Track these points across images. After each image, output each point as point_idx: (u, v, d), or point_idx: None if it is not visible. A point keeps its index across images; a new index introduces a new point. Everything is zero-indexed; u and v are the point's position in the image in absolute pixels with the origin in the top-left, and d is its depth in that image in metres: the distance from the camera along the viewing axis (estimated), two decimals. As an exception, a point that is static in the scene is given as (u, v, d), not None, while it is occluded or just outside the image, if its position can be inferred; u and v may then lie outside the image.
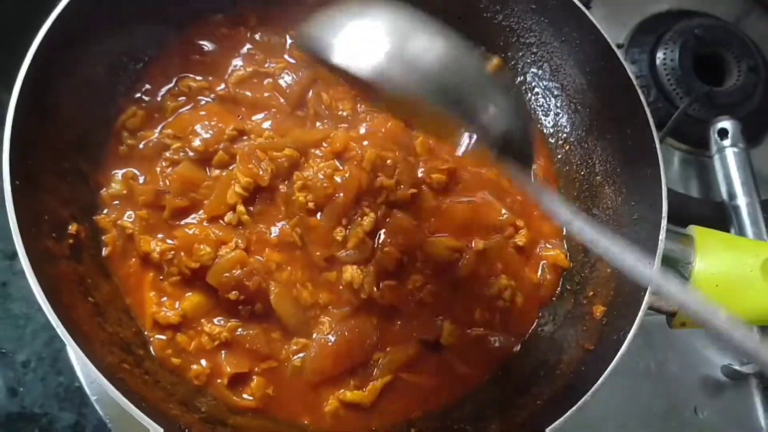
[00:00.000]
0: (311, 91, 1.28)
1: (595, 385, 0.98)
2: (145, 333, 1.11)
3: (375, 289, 1.14)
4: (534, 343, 1.21)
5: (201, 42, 1.30)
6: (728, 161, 1.55)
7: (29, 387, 1.29)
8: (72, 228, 1.09)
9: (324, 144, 1.21)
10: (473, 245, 1.21)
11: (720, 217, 1.54)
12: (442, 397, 1.16)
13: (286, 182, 1.18)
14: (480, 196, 1.27)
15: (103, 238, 1.14)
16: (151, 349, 1.10)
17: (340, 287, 1.16)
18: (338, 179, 1.17)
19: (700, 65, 1.71)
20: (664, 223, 1.09)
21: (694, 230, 1.17)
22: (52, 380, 1.30)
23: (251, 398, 1.10)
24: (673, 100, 1.67)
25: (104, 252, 1.14)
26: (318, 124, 1.27)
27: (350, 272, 1.15)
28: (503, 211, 1.26)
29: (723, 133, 1.57)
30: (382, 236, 1.17)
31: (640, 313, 1.03)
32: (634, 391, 1.43)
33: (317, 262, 1.16)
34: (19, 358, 1.30)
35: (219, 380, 1.10)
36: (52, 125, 1.10)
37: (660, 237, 1.08)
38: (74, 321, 0.95)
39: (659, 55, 1.71)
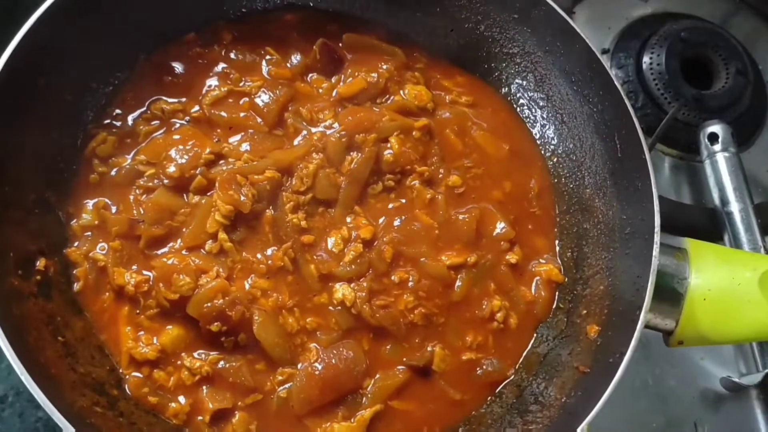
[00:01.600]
0: (290, 108, 1.25)
1: (591, 414, 0.94)
2: (120, 371, 1.07)
3: (367, 306, 1.11)
4: (528, 366, 1.17)
5: (173, 62, 1.26)
6: (719, 166, 1.52)
7: (7, 423, 1.24)
8: (40, 263, 1.04)
9: (314, 155, 1.19)
10: (469, 260, 1.19)
11: (713, 223, 1.51)
12: (434, 426, 1.12)
13: (270, 206, 1.15)
14: (483, 205, 1.25)
15: (74, 272, 1.10)
16: (127, 387, 1.06)
17: (330, 309, 1.13)
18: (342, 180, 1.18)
19: (687, 68, 1.67)
20: (657, 238, 1.06)
21: (689, 243, 1.13)
22: (31, 415, 1.25)
23: (232, 435, 1.06)
24: (662, 105, 1.64)
25: (75, 287, 1.10)
26: (296, 140, 1.23)
27: (342, 290, 1.13)
28: (502, 225, 1.23)
29: (713, 137, 1.54)
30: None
31: (636, 334, 1.00)
32: (631, 406, 1.39)
33: (311, 283, 1.13)
34: (-7, 394, 1.25)
35: (200, 418, 1.06)
36: (17, 155, 1.05)
37: (654, 253, 1.05)
38: (41, 365, 0.91)
39: (645, 59, 1.68)
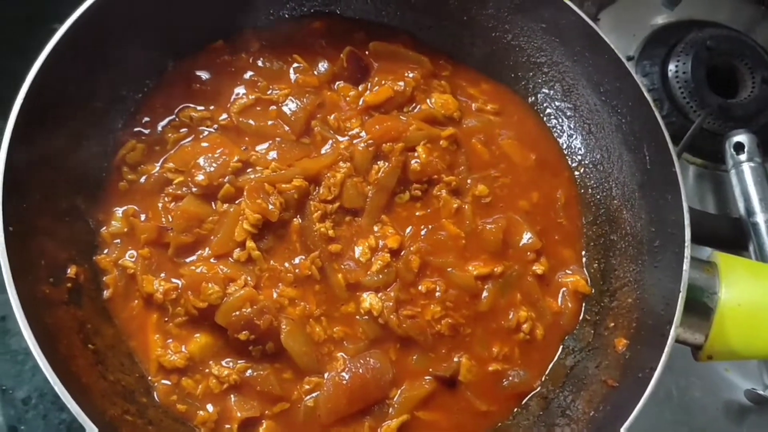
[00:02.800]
0: (317, 116, 1.25)
1: (621, 430, 0.94)
2: (149, 378, 1.07)
3: (394, 316, 1.11)
4: (554, 378, 1.17)
5: (201, 70, 1.27)
6: (745, 176, 1.50)
7: (31, 425, 1.24)
8: (71, 271, 1.05)
9: (341, 164, 1.19)
10: (496, 270, 1.18)
11: (738, 233, 1.49)
12: (460, 437, 1.12)
13: (298, 215, 1.15)
14: (510, 215, 1.24)
15: (103, 279, 1.11)
16: (155, 395, 1.06)
17: (357, 318, 1.13)
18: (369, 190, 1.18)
19: (713, 77, 1.66)
20: (687, 252, 1.05)
21: (718, 257, 1.12)
22: (54, 417, 1.25)
23: (260, 444, 1.06)
24: (687, 114, 1.62)
25: (105, 294, 1.10)
26: (323, 149, 1.23)
27: (369, 300, 1.13)
28: (529, 235, 1.22)
29: (739, 147, 1.52)
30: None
31: (667, 349, 0.99)
32: (655, 417, 1.38)
33: (338, 292, 1.13)
34: (19, 394, 1.26)
35: (227, 426, 1.06)
36: (49, 163, 1.06)
37: (684, 267, 1.04)
38: (73, 373, 0.91)
39: (671, 67, 1.66)
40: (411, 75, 1.30)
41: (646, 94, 1.15)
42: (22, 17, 1.46)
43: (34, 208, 1.01)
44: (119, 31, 1.14)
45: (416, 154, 1.21)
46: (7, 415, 1.25)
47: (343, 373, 1.09)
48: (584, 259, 1.26)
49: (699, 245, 1.18)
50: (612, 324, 1.16)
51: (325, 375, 1.09)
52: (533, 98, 1.36)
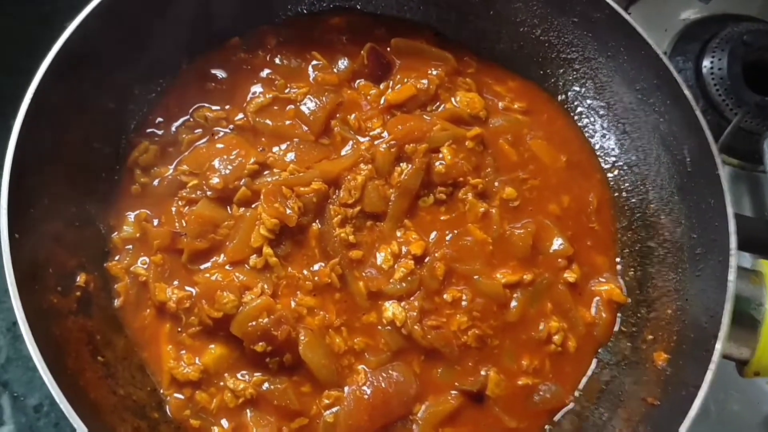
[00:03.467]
0: (337, 116, 1.21)
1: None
2: (162, 392, 1.04)
3: (418, 326, 1.07)
4: (588, 394, 1.11)
5: (216, 68, 1.23)
6: (784, 178, 1.44)
7: (43, 433, 1.21)
8: (80, 279, 1.02)
9: (362, 166, 1.15)
10: (525, 278, 1.14)
11: (777, 238, 1.43)
12: (488, 456, 1.07)
13: (317, 220, 1.11)
14: (539, 219, 1.19)
15: (115, 287, 1.07)
16: (168, 410, 1.02)
17: (379, 328, 1.09)
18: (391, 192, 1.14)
19: (749, 73, 1.59)
20: (733, 261, 0.99)
21: (765, 266, 1.06)
22: (66, 426, 1.23)
23: (276, 461, 1.02)
24: (723, 112, 1.56)
25: (116, 303, 1.07)
26: (343, 150, 1.18)
27: (392, 309, 1.08)
28: (560, 241, 1.17)
29: (777, 146, 1.46)
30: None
31: (713, 366, 0.93)
32: (691, 432, 1.32)
33: (360, 301, 1.09)
34: (30, 402, 1.25)
35: (243, 442, 1.02)
36: (58, 166, 1.02)
37: (730, 277, 0.97)
38: (81, 389, 0.88)
39: (705, 63, 1.59)
40: (435, 72, 1.26)
41: (685, 90, 1.09)
42: (35, 16, 1.43)
43: (42, 214, 0.97)
44: (131, 29, 1.11)
45: (441, 156, 1.17)
46: (19, 422, 1.23)
47: (365, 387, 1.05)
48: (619, 267, 1.20)
49: (741, 252, 1.12)
50: (650, 337, 1.10)
51: (346, 389, 1.05)
52: (563, 96, 1.30)
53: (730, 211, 1.01)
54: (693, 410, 0.90)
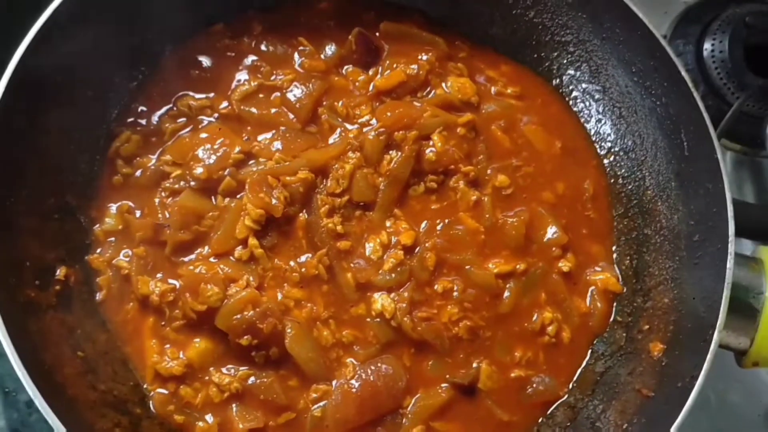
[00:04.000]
0: (324, 103, 1.18)
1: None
2: (145, 387, 1.02)
3: (408, 318, 1.05)
4: (583, 385, 1.09)
5: (200, 55, 1.20)
6: (786, 162, 1.41)
7: (34, 428, 1.21)
8: (60, 272, 1.00)
9: (351, 154, 1.12)
10: (518, 268, 1.11)
11: (778, 224, 1.40)
12: (480, 449, 1.05)
13: (304, 210, 1.09)
14: (533, 207, 1.17)
15: (96, 281, 1.05)
16: (151, 405, 1.01)
17: (368, 321, 1.07)
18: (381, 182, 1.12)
19: (752, 56, 1.55)
20: (731, 248, 0.97)
21: (764, 253, 1.03)
22: (58, 421, 1.21)
23: (262, 457, 1.01)
24: (724, 96, 1.52)
25: (98, 297, 1.05)
26: (331, 139, 1.16)
27: (381, 301, 1.07)
28: (554, 229, 1.15)
29: (781, 131, 1.42)
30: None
31: (710, 356, 0.91)
32: (690, 424, 1.28)
33: (348, 293, 1.07)
34: (22, 397, 1.22)
35: (229, 438, 1.00)
36: (35, 157, 1.00)
37: (728, 264, 0.95)
38: (59, 385, 0.86)
39: (707, 46, 1.56)
40: (425, 57, 1.23)
41: (683, 72, 1.06)
42: (3, 2, 1.40)
43: (19, 206, 0.96)
44: (110, 13, 1.07)
45: (431, 143, 1.14)
46: (10, 418, 1.22)
47: (353, 381, 1.03)
48: (615, 255, 1.18)
49: (738, 238, 1.09)
50: (646, 326, 1.08)
51: (334, 382, 1.04)
52: (558, 80, 1.27)
53: (728, 196, 0.99)
54: (689, 402, 0.88)
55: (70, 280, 1.01)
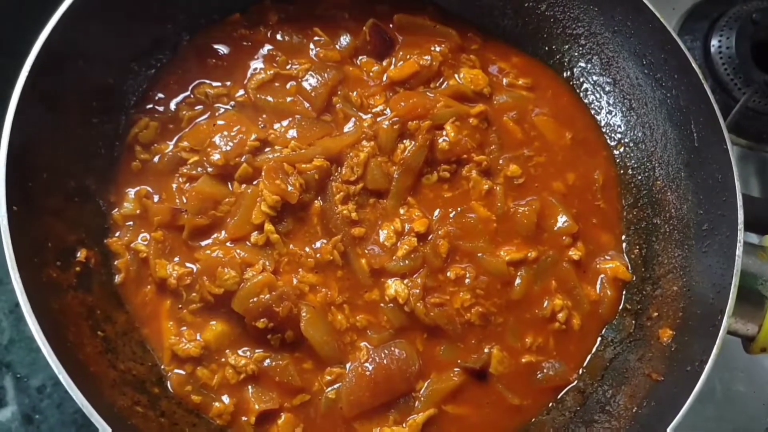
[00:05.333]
0: (339, 92, 1.19)
1: (669, 427, 0.87)
2: (162, 367, 1.03)
3: (421, 303, 1.06)
4: (592, 371, 1.10)
5: (217, 44, 1.21)
6: (792, 157, 1.42)
7: (46, 414, 1.23)
8: (80, 254, 1.01)
9: (365, 142, 1.13)
10: (529, 256, 1.13)
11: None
12: (491, 433, 1.06)
13: (319, 197, 1.10)
14: (544, 197, 1.18)
15: (115, 263, 1.06)
16: (169, 385, 1.02)
17: (382, 306, 1.08)
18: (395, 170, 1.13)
19: (758, 52, 1.56)
20: (740, 236, 0.98)
21: (773, 241, 1.04)
22: (69, 406, 1.23)
23: (277, 439, 1.02)
24: (731, 91, 1.53)
25: (117, 279, 1.06)
26: (346, 127, 1.17)
27: (395, 287, 1.07)
28: (564, 218, 1.16)
29: (787, 126, 1.44)
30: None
31: (719, 341, 0.92)
32: (696, 412, 1.29)
33: (362, 278, 1.08)
34: (33, 383, 1.24)
35: (244, 419, 1.02)
36: (56, 141, 1.01)
37: (737, 252, 0.96)
38: (81, 362, 0.87)
39: (714, 42, 1.57)
40: (438, 49, 1.24)
41: (693, 64, 1.07)
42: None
43: (41, 188, 0.97)
44: (129, 3, 1.08)
45: (444, 133, 1.15)
46: (22, 403, 1.23)
47: (367, 364, 1.05)
48: (624, 245, 1.19)
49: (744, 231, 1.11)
50: (655, 314, 1.09)
51: (348, 365, 1.05)
52: (569, 73, 1.28)
53: (738, 186, 1.01)
54: (698, 384, 0.89)
55: (90, 262, 1.02)
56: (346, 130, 1.17)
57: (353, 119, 1.17)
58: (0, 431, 1.20)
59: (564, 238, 1.16)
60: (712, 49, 1.57)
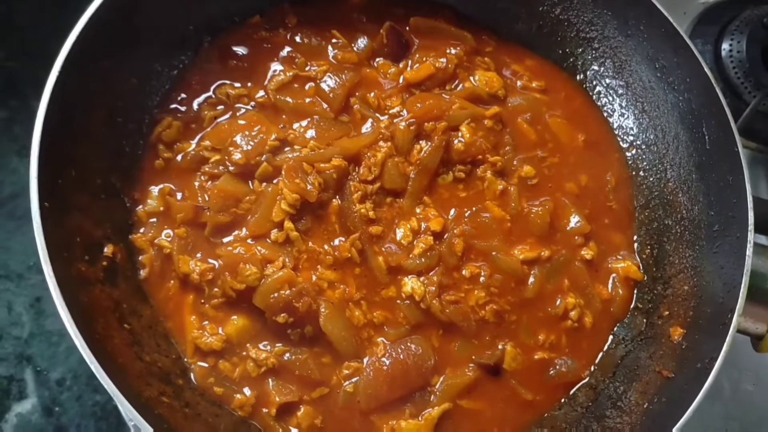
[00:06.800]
0: (356, 93, 1.21)
1: (680, 423, 0.89)
2: (186, 360, 1.05)
3: (436, 301, 1.08)
4: (604, 368, 1.12)
5: (238, 46, 1.23)
6: (802, 160, 1.43)
7: (65, 406, 1.25)
8: (107, 249, 1.03)
9: (382, 143, 1.15)
10: (543, 255, 1.15)
11: (795, 221, 1.42)
12: (504, 427, 1.09)
13: (337, 196, 1.12)
14: (557, 197, 1.20)
15: (140, 258, 1.09)
16: (192, 377, 1.04)
17: (398, 302, 1.10)
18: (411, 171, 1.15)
19: (769, 57, 1.58)
20: (750, 236, 1.00)
21: (782, 243, 1.06)
22: (89, 398, 1.26)
23: (297, 430, 1.04)
24: (741, 95, 1.55)
25: (141, 274, 1.08)
26: (363, 128, 1.19)
27: (411, 284, 1.09)
28: (577, 218, 1.18)
29: (796, 130, 1.45)
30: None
31: (729, 339, 0.94)
32: (704, 411, 1.30)
33: (379, 276, 1.10)
34: (53, 376, 1.26)
35: (265, 410, 1.04)
36: (84, 140, 1.04)
37: (747, 252, 0.98)
38: (109, 353, 0.89)
39: (724, 46, 1.59)
40: (453, 51, 1.26)
41: (705, 68, 1.09)
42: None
43: (69, 185, 0.99)
44: (153, 5, 1.11)
45: (459, 134, 1.18)
46: (42, 396, 1.25)
47: (384, 359, 1.07)
48: (636, 245, 1.21)
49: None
50: (666, 312, 1.11)
51: (365, 360, 1.07)
52: (582, 75, 1.30)
53: (748, 188, 1.02)
54: (709, 381, 0.91)
55: (116, 257, 1.04)
56: (363, 130, 1.19)
57: (370, 120, 1.19)
58: (21, 423, 1.22)
59: (576, 237, 1.18)
60: (723, 53, 1.59)
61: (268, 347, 1.06)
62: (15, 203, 1.34)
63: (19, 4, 1.44)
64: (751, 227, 0.99)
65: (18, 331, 1.28)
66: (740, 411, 1.35)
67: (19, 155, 1.38)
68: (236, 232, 1.10)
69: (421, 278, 1.10)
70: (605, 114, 1.29)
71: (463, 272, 1.12)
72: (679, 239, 1.14)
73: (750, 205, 1.01)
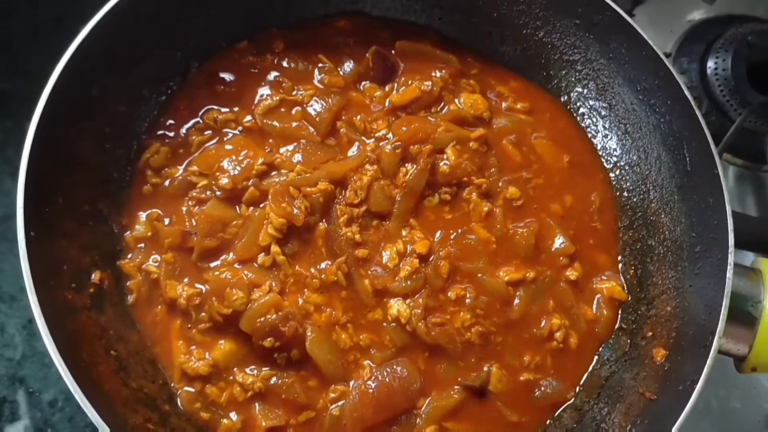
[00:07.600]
0: (343, 117, 1.22)
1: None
2: (172, 385, 1.06)
3: (422, 323, 1.09)
4: (589, 389, 1.13)
5: (225, 71, 1.25)
6: (788, 177, 1.44)
7: (57, 427, 1.25)
8: (95, 276, 1.04)
9: (368, 166, 1.16)
10: (528, 276, 1.15)
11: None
12: (490, 449, 1.08)
13: (323, 219, 1.13)
14: (542, 218, 1.21)
15: (127, 284, 1.10)
16: (179, 402, 1.05)
17: (384, 325, 1.10)
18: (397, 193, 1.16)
19: (754, 74, 1.59)
20: (731, 258, 1.00)
21: (763, 264, 1.07)
22: (81, 420, 1.26)
23: (283, 454, 1.04)
24: (727, 112, 1.56)
25: (129, 300, 1.09)
26: (350, 152, 1.20)
27: (397, 307, 1.10)
28: (562, 239, 1.19)
29: (782, 147, 1.46)
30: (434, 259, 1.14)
31: (710, 361, 0.95)
32: (693, 429, 1.32)
33: (365, 299, 1.11)
34: (46, 397, 1.27)
35: (252, 435, 1.04)
36: (72, 167, 1.05)
37: (728, 274, 0.99)
38: (95, 381, 0.90)
39: (710, 64, 1.60)
40: (438, 74, 1.27)
41: (686, 91, 1.10)
42: (48, 18, 1.46)
43: (57, 212, 1.00)
44: (141, 32, 1.12)
45: (445, 156, 1.18)
46: (34, 417, 1.25)
47: (370, 382, 1.07)
48: (620, 265, 1.22)
49: (739, 249, 1.13)
50: (650, 333, 1.11)
51: (351, 383, 1.07)
52: (566, 97, 1.31)
53: (728, 209, 1.03)
54: (690, 403, 0.92)
55: (103, 284, 1.05)
56: (349, 154, 1.19)
57: (357, 143, 1.20)
58: (13, 445, 1.22)
59: (561, 258, 1.18)
60: (709, 71, 1.60)
61: (255, 371, 1.06)
62: (7, 225, 1.35)
63: (15, 26, 1.46)
64: (731, 249, 1.00)
65: (10, 353, 1.29)
66: (729, 429, 1.35)
67: (12, 177, 1.36)
68: (223, 257, 1.11)
69: (407, 301, 1.11)
70: (589, 135, 1.30)
71: (449, 294, 1.12)
72: (662, 260, 1.15)
73: (730, 227, 1.01)
